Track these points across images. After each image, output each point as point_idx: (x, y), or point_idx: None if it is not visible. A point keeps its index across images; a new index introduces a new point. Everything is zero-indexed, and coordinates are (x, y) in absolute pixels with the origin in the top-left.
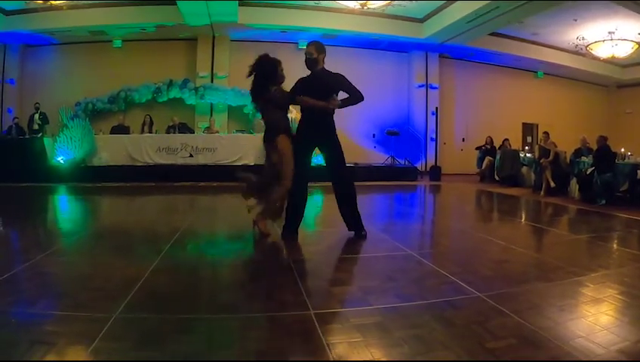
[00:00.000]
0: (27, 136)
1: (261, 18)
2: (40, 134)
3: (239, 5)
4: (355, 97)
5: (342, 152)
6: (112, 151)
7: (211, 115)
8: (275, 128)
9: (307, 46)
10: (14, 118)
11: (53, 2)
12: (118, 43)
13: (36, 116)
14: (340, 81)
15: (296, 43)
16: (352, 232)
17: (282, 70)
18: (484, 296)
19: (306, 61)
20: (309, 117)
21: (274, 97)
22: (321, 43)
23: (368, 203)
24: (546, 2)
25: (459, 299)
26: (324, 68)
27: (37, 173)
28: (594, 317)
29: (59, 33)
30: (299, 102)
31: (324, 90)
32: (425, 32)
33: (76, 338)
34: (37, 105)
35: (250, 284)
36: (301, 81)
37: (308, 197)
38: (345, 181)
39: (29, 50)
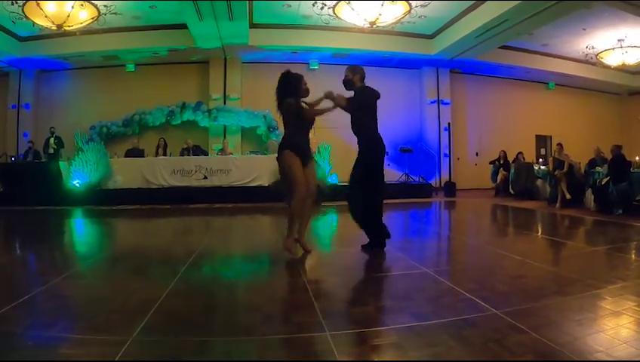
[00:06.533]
0: (43, 160)
1: (272, 39)
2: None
3: (250, 27)
4: None
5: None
6: (127, 174)
7: (225, 137)
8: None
9: None
10: (29, 142)
11: (66, 28)
12: (131, 67)
13: (51, 140)
14: None
15: (307, 63)
16: (368, 252)
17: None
18: (500, 312)
19: None
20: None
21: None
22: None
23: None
24: (555, 11)
25: (476, 317)
26: None
27: (53, 196)
28: (613, 330)
29: (73, 58)
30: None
31: None
32: (435, 48)
33: (93, 361)
34: (52, 129)
35: (267, 306)
36: None
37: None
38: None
39: (43, 75)
